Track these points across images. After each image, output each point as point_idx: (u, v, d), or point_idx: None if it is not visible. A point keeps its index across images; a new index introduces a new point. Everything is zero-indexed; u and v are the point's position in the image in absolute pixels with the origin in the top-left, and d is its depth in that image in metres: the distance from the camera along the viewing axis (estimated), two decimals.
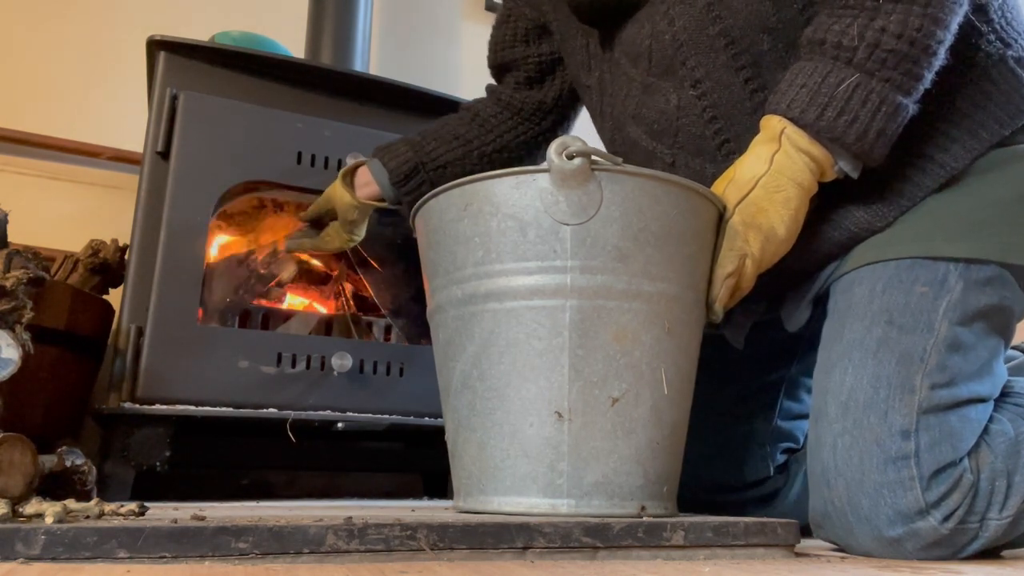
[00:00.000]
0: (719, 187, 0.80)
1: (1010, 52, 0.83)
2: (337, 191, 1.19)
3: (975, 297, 0.79)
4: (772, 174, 0.77)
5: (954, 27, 0.76)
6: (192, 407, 1.17)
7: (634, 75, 0.92)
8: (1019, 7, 0.87)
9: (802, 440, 1.05)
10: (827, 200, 0.84)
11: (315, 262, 1.48)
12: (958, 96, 0.83)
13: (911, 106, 0.76)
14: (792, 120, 0.77)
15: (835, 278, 0.87)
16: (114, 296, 1.34)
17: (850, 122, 0.75)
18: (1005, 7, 0.84)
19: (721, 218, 0.80)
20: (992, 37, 0.83)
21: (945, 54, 0.77)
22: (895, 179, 0.84)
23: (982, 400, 0.79)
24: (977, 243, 0.80)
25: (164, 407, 1.15)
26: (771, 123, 0.79)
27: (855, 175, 0.79)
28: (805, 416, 1.05)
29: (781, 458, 1.04)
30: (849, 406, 0.78)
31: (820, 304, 0.91)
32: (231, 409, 1.19)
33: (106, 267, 1.38)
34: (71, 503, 0.59)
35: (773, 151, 0.78)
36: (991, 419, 0.79)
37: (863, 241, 0.85)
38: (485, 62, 1.20)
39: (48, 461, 0.70)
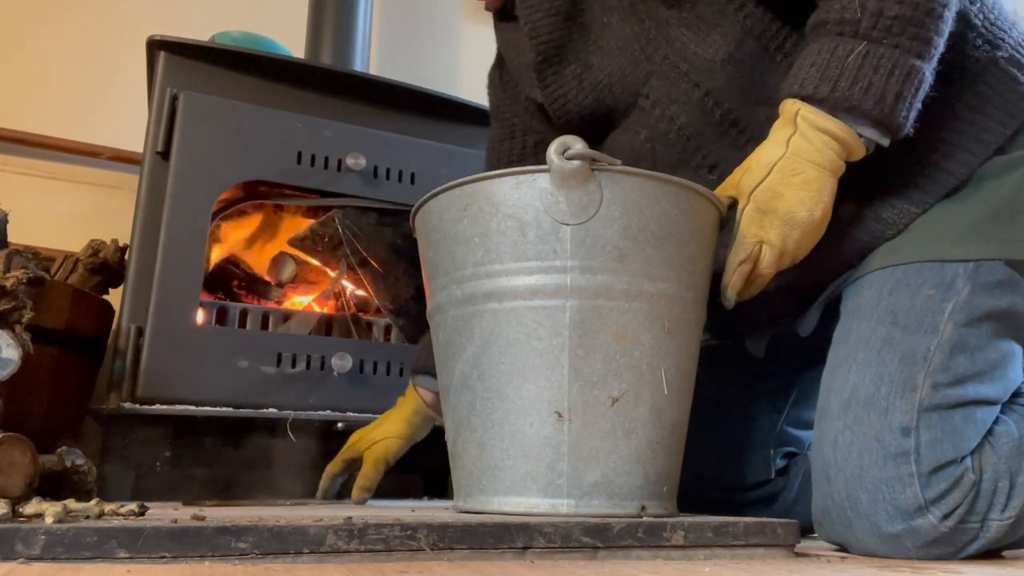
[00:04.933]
0: (735, 176, 0.80)
1: (999, 53, 0.83)
2: (406, 403, 1.08)
3: (983, 300, 0.79)
4: (789, 157, 0.76)
5: None
6: (192, 407, 1.17)
7: None
8: (1001, 5, 0.86)
9: (806, 446, 1.05)
10: (839, 216, 0.82)
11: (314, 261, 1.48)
12: (956, 103, 0.82)
13: (926, 69, 0.75)
14: (806, 98, 0.75)
15: (846, 284, 0.87)
16: (114, 296, 1.34)
17: (865, 88, 0.73)
18: (986, 9, 0.83)
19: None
20: (979, 41, 0.82)
21: (943, 45, 0.76)
22: (904, 188, 0.83)
23: (990, 402, 0.78)
24: (984, 243, 0.80)
25: (164, 407, 1.15)
26: (786, 107, 0.77)
27: (885, 143, 0.77)
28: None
29: (782, 462, 1.04)
30: (851, 403, 0.78)
31: (831, 309, 0.91)
32: (231, 409, 1.19)
33: (106, 267, 1.38)
34: (71, 503, 0.59)
35: (789, 134, 0.76)
36: (996, 420, 0.79)
37: (875, 249, 0.85)
38: (485, 62, 1.19)
39: (48, 461, 0.70)
